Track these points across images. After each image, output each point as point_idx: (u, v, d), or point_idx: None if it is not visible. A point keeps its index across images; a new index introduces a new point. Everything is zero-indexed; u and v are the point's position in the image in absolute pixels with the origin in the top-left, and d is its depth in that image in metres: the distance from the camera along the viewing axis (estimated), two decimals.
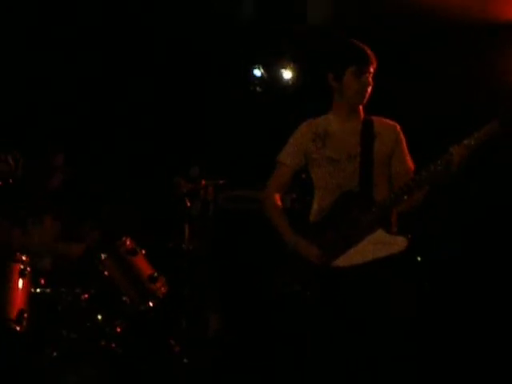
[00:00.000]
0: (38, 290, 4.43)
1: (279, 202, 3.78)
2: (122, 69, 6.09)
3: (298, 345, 3.89)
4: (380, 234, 3.50)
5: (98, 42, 5.98)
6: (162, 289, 4.71)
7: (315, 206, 3.71)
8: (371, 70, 3.61)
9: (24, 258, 4.32)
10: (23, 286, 4.25)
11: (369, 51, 3.62)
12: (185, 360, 4.90)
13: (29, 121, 5.88)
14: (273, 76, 6.74)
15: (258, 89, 6.79)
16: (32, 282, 4.36)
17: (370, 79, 3.61)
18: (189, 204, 5.12)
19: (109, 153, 6.04)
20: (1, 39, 5.67)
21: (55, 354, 4.32)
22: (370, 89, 3.63)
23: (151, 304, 4.66)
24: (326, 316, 3.55)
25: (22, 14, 5.65)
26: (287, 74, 6.80)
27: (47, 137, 5.50)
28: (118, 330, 4.59)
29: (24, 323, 4.15)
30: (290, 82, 6.73)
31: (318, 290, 3.55)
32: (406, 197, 3.48)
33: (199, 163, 5.47)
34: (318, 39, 5.43)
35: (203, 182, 5.31)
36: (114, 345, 4.47)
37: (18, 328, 4.12)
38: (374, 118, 3.71)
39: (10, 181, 3.40)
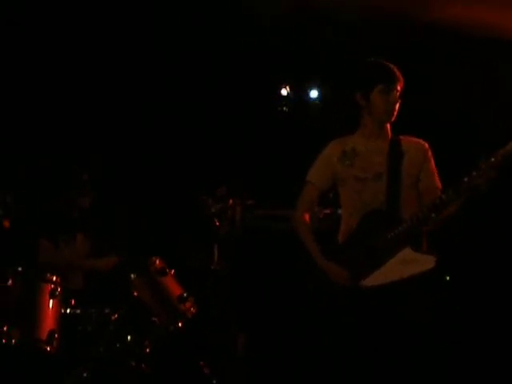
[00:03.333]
0: (68, 311, 4.44)
1: (308, 222, 3.78)
2: (149, 86, 6.14)
3: (325, 361, 3.87)
4: (408, 252, 3.48)
5: (125, 57, 6.04)
6: (192, 309, 4.68)
7: (343, 226, 3.72)
8: (398, 88, 3.61)
9: (55, 278, 4.35)
10: (53, 307, 4.26)
11: (395, 70, 3.63)
12: (214, 381, 4.88)
13: (56, 141, 5.94)
14: (299, 96, 6.77)
15: (284, 108, 6.82)
16: (62, 302, 4.38)
17: (398, 97, 3.61)
18: (218, 224, 5.12)
19: (137, 172, 6.07)
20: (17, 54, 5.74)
21: (85, 374, 4.34)
22: (397, 106, 3.64)
23: (180, 324, 4.65)
24: (354, 334, 3.54)
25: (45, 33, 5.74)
26: (314, 94, 6.82)
27: (77, 156, 5.55)
28: (148, 350, 4.58)
29: (54, 344, 4.16)
30: (317, 102, 6.75)
31: (347, 309, 3.55)
32: (433, 215, 3.46)
33: (227, 183, 5.48)
34: (345, 58, 5.45)
35: (231, 202, 5.31)
36: (144, 365, 4.47)
37: (48, 349, 4.14)
38: (402, 137, 3.71)
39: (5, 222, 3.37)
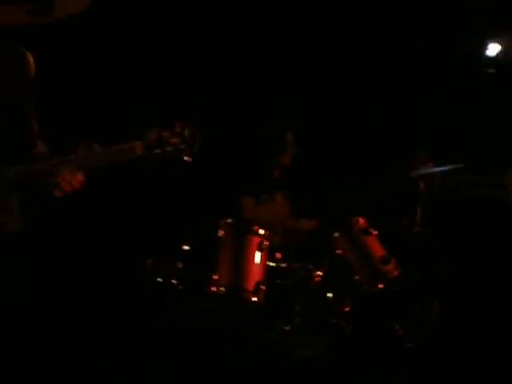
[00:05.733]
0: (274, 264, 4.54)
1: None
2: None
3: None
4: None
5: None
6: (394, 272, 4.64)
7: None
8: None
9: (263, 231, 4.45)
10: (261, 259, 4.40)
11: None
12: (409, 345, 4.80)
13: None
14: (509, 56, 6.39)
15: (490, 70, 6.48)
16: (269, 255, 4.48)
17: None
18: (422, 187, 4.98)
19: (338, 133, 6.03)
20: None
21: (287, 327, 4.43)
22: None
23: (382, 286, 4.61)
24: None
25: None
26: None
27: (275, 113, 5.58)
28: (347, 309, 4.60)
29: (261, 295, 4.29)
30: None
31: None
32: None
33: (427, 145, 5.33)
34: None
35: (430, 165, 5.15)
36: (344, 323, 4.50)
37: (255, 299, 4.27)
38: None
39: (186, 158, 3.11)
